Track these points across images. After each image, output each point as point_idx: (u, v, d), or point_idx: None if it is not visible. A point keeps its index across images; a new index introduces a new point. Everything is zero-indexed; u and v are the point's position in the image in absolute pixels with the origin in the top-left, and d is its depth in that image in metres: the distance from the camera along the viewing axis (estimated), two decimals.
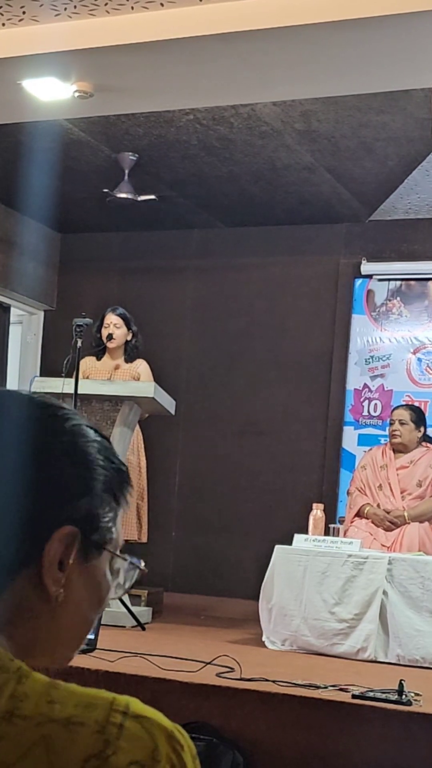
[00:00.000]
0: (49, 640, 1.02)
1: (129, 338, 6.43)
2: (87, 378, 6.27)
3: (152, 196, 6.95)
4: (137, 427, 6.22)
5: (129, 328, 6.43)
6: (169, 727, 0.93)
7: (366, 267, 7.60)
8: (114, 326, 6.38)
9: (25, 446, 1.00)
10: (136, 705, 0.93)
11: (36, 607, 0.99)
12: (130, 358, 6.43)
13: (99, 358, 6.46)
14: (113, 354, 6.45)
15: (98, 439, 1.05)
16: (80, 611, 1.03)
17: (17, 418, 1.02)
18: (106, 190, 6.76)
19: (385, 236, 7.59)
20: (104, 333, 6.39)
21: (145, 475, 6.41)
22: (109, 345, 6.39)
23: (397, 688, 3.71)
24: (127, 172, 6.78)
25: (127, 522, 6.12)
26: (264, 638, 5.27)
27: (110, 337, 6.36)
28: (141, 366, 6.41)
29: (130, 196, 6.80)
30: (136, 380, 6.26)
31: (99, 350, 6.45)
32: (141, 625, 5.41)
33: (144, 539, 6.28)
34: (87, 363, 6.37)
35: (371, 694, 3.73)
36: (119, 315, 6.42)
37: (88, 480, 1.02)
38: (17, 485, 0.98)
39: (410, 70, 4.77)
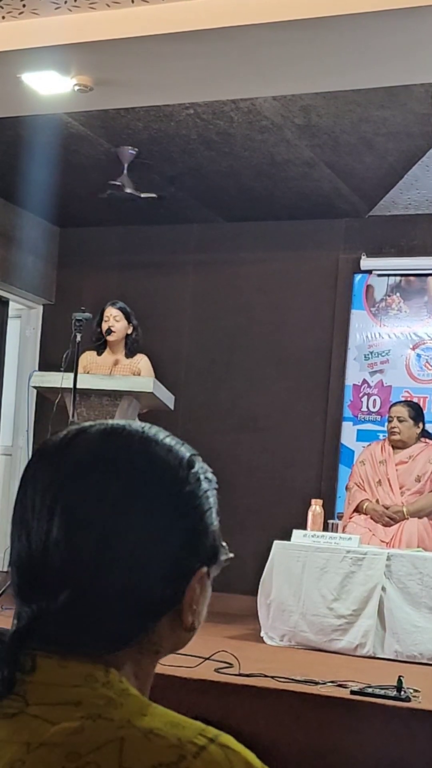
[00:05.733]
0: (166, 653, 1.05)
1: (129, 332, 6.42)
2: (87, 373, 6.27)
3: (154, 195, 6.94)
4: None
5: (129, 322, 6.41)
6: (256, 766, 0.93)
7: (365, 262, 7.59)
8: (114, 319, 6.37)
9: (165, 496, 1.02)
10: (228, 738, 0.93)
11: (165, 642, 1.03)
12: (130, 353, 6.41)
13: (99, 353, 6.45)
14: (114, 348, 6.43)
15: (199, 465, 1.07)
16: (200, 623, 1.06)
17: (151, 468, 1.02)
18: (114, 182, 6.72)
19: (384, 232, 7.59)
20: (104, 327, 6.38)
21: None
22: (109, 339, 6.37)
23: (395, 684, 3.71)
24: (126, 166, 6.76)
25: None
26: (262, 634, 5.27)
27: (110, 330, 6.35)
28: (142, 361, 6.39)
29: (133, 191, 6.79)
30: (137, 375, 6.24)
31: (99, 345, 6.43)
32: None
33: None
34: (87, 358, 6.36)
35: (370, 690, 3.73)
36: (119, 308, 6.40)
37: (210, 517, 1.06)
38: (162, 537, 1.00)
39: (410, 66, 4.76)
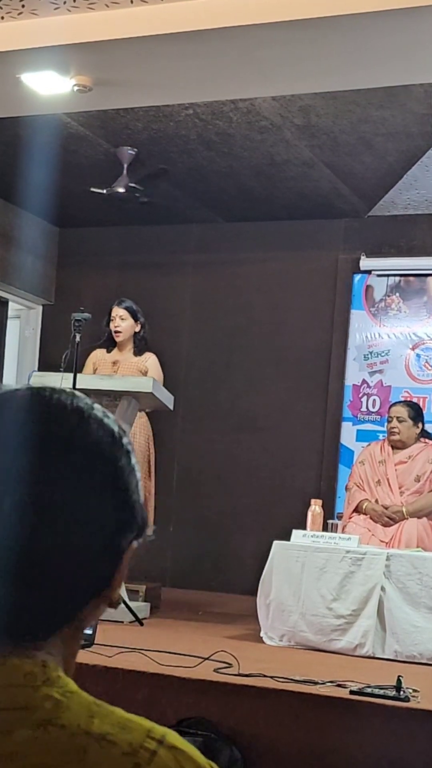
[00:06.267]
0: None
1: (137, 330, 6.41)
2: (96, 370, 6.31)
3: (145, 199, 6.95)
4: (147, 421, 6.24)
5: (136, 320, 6.41)
6: (202, 764, 0.94)
7: (365, 262, 7.59)
8: (119, 318, 6.37)
9: (102, 473, 1.00)
10: (173, 737, 0.94)
11: (89, 618, 1.02)
12: (138, 351, 6.41)
13: (109, 351, 6.46)
14: (121, 347, 6.44)
15: (125, 437, 1.04)
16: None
17: (88, 444, 1.00)
18: (134, 185, 6.74)
19: (384, 232, 7.59)
20: (112, 326, 6.40)
21: (153, 468, 6.38)
22: (116, 338, 6.39)
23: (395, 684, 3.71)
24: (126, 166, 6.77)
25: None
26: (262, 634, 5.26)
27: (116, 330, 6.36)
28: (149, 360, 6.37)
29: (124, 191, 6.81)
30: (144, 374, 6.23)
31: (108, 343, 6.44)
32: (139, 621, 5.40)
33: (149, 533, 6.25)
34: (97, 355, 6.42)
35: (369, 690, 3.73)
36: (125, 308, 6.40)
37: (138, 491, 1.04)
38: (101, 513, 0.99)
39: (410, 66, 4.76)
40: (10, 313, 8.38)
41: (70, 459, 0.97)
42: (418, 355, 7.45)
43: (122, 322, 6.36)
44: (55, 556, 0.95)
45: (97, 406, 1.04)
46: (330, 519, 5.95)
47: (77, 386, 5.49)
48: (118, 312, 6.38)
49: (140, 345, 6.41)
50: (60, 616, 0.98)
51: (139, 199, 6.91)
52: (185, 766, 0.92)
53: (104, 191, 6.89)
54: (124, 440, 1.03)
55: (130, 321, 6.38)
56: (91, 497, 0.97)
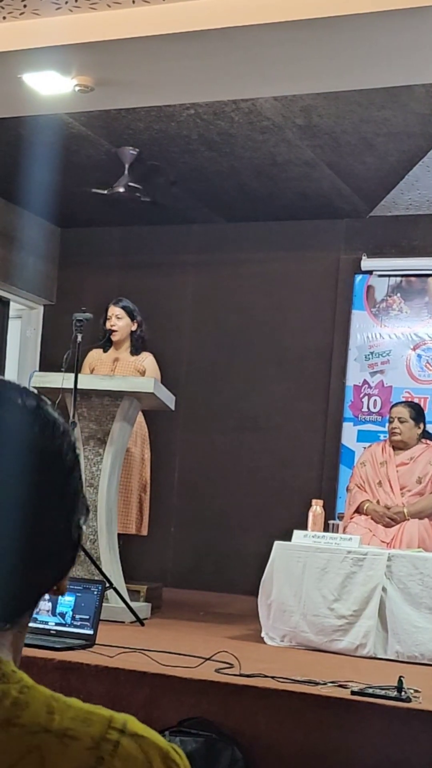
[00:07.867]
0: None
1: (134, 329, 6.41)
2: (93, 370, 6.29)
3: (149, 199, 6.95)
4: (142, 420, 6.23)
5: (133, 319, 6.40)
6: (164, 747, 0.93)
7: (366, 263, 7.59)
8: (116, 317, 6.36)
9: (54, 475, 0.99)
10: (134, 723, 0.94)
11: (37, 606, 1.02)
12: (135, 351, 6.40)
13: (105, 351, 6.46)
14: (118, 345, 6.43)
15: (69, 428, 1.03)
16: None
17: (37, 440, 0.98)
18: (111, 189, 6.74)
19: (385, 232, 7.59)
20: (108, 325, 6.39)
21: (148, 467, 6.39)
22: (113, 337, 6.38)
23: (396, 684, 3.71)
24: (127, 166, 6.77)
25: (129, 515, 6.11)
26: (263, 634, 5.26)
27: (111, 328, 6.36)
28: (147, 360, 6.37)
29: (124, 190, 6.81)
30: (142, 374, 6.23)
31: (105, 342, 6.43)
32: (140, 621, 5.40)
33: (144, 532, 6.26)
34: (93, 355, 6.41)
35: (370, 691, 3.73)
36: (121, 307, 6.39)
37: (82, 478, 1.03)
38: (56, 516, 0.98)
39: (411, 66, 4.76)
40: (11, 313, 8.39)
41: (28, 459, 0.96)
42: (419, 356, 7.45)
43: (118, 321, 6.35)
44: (26, 548, 0.95)
45: (44, 399, 1.02)
46: (331, 519, 5.95)
47: (79, 386, 5.50)
48: (114, 311, 6.38)
49: (137, 344, 6.41)
50: (24, 604, 0.98)
51: (140, 198, 6.90)
52: (149, 752, 0.92)
53: (105, 192, 6.88)
54: (69, 431, 1.02)
55: (126, 320, 6.38)
56: (51, 495, 0.97)
